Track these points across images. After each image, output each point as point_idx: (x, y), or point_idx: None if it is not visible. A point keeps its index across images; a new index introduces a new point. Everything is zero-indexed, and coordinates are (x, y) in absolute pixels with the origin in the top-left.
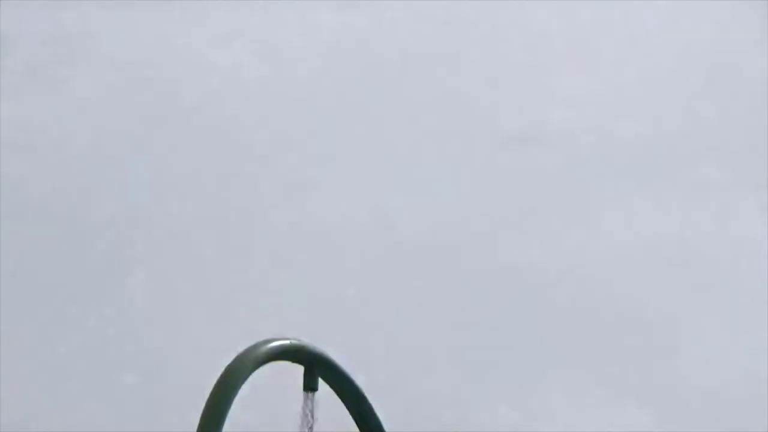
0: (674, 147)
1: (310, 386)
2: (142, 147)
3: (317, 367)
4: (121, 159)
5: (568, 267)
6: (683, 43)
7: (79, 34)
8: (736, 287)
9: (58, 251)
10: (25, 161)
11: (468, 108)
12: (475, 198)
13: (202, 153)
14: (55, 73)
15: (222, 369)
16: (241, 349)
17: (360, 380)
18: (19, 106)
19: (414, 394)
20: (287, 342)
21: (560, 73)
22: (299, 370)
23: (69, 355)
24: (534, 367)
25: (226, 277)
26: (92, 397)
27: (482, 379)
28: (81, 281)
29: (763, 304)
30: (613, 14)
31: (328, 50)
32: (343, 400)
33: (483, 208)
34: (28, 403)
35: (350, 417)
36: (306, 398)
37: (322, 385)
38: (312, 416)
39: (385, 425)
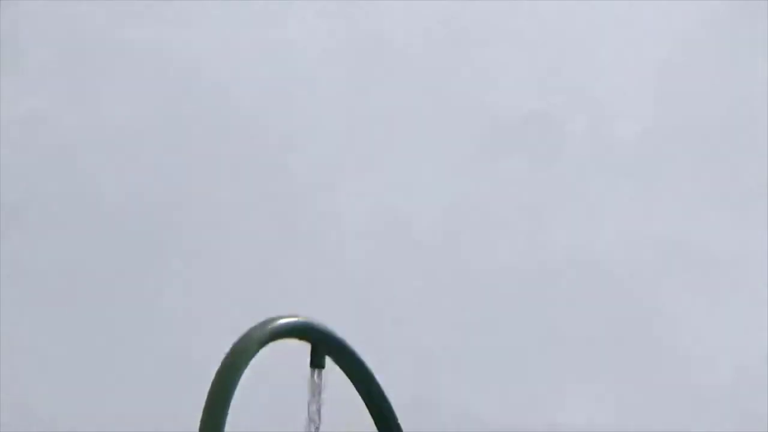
0: (674, 145)
1: (316, 364)
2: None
3: (324, 345)
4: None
5: (568, 265)
6: (683, 41)
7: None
8: (737, 285)
9: (85, 241)
10: (31, 150)
11: (467, 105)
12: (474, 195)
13: (222, 140)
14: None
15: (228, 348)
16: (247, 327)
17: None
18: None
19: (416, 391)
20: (294, 320)
21: (560, 69)
22: (306, 348)
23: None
24: (534, 364)
25: (234, 261)
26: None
27: (482, 375)
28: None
29: (764, 302)
30: (614, 12)
31: (328, 44)
32: (350, 378)
33: (483, 205)
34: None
35: (358, 395)
36: (313, 376)
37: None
38: (319, 394)
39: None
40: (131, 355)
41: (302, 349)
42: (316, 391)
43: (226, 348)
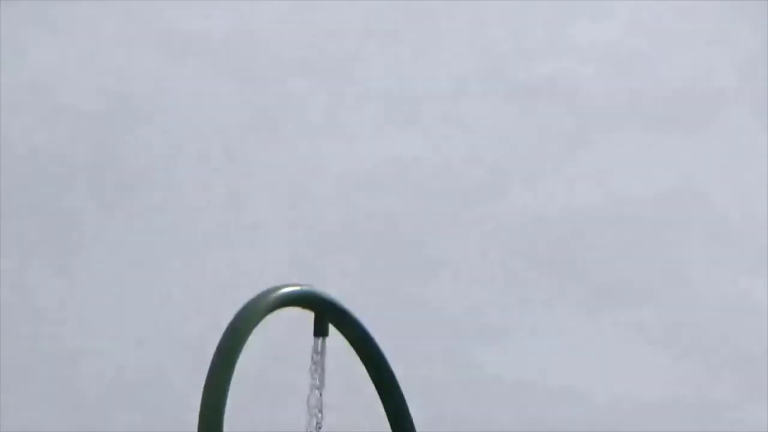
0: (686, 97)
1: (320, 332)
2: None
3: (327, 313)
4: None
5: (581, 216)
6: None
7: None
8: (745, 230)
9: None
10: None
11: (484, 57)
12: (489, 146)
13: (223, 93)
14: None
15: (232, 315)
16: (251, 296)
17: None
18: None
19: (424, 347)
20: (298, 288)
21: (575, 25)
22: (310, 316)
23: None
24: (548, 310)
25: (238, 223)
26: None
27: (495, 325)
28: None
29: None
30: None
31: None
32: (353, 346)
33: (497, 155)
34: None
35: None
36: (316, 343)
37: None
38: (322, 361)
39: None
40: (141, 325)
41: (306, 317)
42: (319, 358)
43: (231, 316)
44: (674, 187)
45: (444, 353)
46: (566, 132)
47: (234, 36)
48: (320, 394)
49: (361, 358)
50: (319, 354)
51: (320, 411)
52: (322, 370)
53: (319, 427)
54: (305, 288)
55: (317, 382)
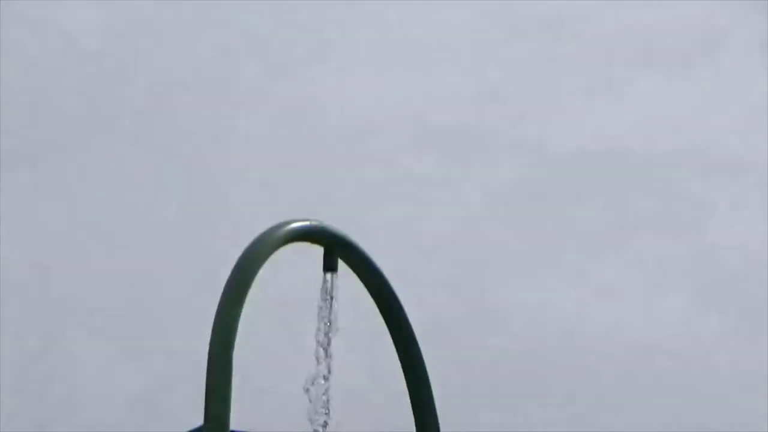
0: (692, 32)
1: (329, 267)
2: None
3: (336, 248)
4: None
5: (585, 151)
6: None
7: None
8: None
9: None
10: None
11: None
12: (494, 81)
13: (220, 34)
14: None
15: (241, 250)
16: (260, 230)
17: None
18: None
19: (435, 281)
20: (307, 223)
21: None
22: (319, 251)
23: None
24: (560, 251)
25: (251, 159)
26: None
27: (504, 261)
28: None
29: None
30: None
31: None
32: (362, 281)
33: (504, 90)
34: None
35: (370, 298)
36: (325, 279)
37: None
38: (331, 297)
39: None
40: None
41: (316, 252)
42: (328, 294)
43: (240, 251)
44: (681, 125)
45: (453, 291)
46: (574, 69)
47: None
48: (329, 331)
49: (371, 294)
50: (328, 289)
51: (328, 344)
52: (332, 305)
53: (326, 377)
54: (314, 222)
55: (327, 319)
